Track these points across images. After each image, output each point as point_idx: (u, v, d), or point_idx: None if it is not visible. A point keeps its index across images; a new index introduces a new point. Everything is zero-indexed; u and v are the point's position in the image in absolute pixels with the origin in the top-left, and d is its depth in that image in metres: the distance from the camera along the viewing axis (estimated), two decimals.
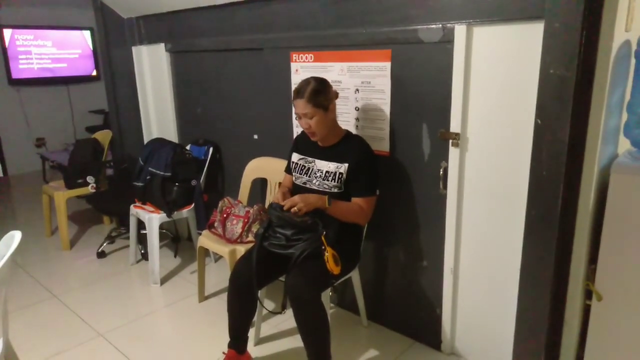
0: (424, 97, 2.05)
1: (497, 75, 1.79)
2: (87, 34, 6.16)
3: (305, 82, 2.02)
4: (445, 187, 2.03)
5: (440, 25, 1.88)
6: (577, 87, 1.52)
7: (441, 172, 2.03)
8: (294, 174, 2.22)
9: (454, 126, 1.93)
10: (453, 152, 1.96)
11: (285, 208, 1.96)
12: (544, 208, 1.68)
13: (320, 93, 1.99)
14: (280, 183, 2.43)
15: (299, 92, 2.00)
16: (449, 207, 2.03)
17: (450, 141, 1.96)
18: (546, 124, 1.61)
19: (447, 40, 1.87)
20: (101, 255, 3.44)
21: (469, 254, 2.05)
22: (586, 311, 1.82)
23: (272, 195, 2.56)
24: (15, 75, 5.69)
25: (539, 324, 1.78)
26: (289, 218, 1.96)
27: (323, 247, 1.90)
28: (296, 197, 1.98)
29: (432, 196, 2.10)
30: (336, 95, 2.09)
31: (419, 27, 1.96)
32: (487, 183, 1.91)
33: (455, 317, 2.17)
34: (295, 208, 1.93)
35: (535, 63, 1.62)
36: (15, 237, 1.55)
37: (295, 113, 2.05)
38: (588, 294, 1.80)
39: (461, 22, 1.82)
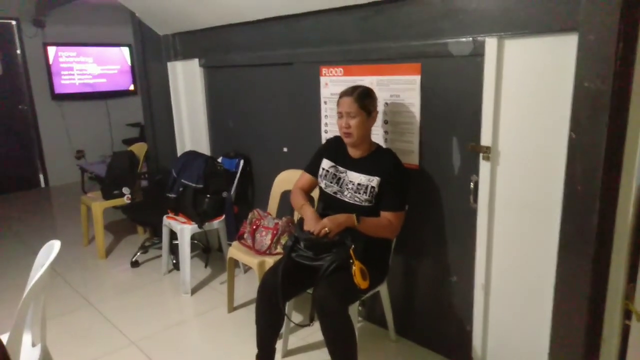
0: (454, 111, 2.03)
1: (529, 89, 1.76)
2: (125, 50, 6.41)
3: (355, 85, 2.09)
4: (475, 200, 2.00)
5: (471, 38, 1.87)
6: (613, 100, 1.48)
7: (472, 186, 2.00)
8: (324, 181, 2.22)
9: (485, 139, 1.90)
10: (484, 166, 1.94)
11: (315, 234, 1.95)
12: (579, 223, 1.63)
13: (368, 97, 2.06)
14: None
15: (347, 91, 2.05)
16: (480, 221, 2.00)
17: (481, 154, 1.93)
18: (581, 137, 1.57)
19: (478, 53, 1.86)
20: (135, 264, 3.53)
21: (501, 269, 2.00)
22: (625, 331, 1.74)
23: None
24: (58, 90, 5.96)
25: (574, 343, 1.72)
26: (317, 240, 1.97)
27: (351, 261, 1.90)
28: (325, 221, 1.97)
29: (462, 210, 2.07)
30: (377, 108, 2.12)
31: (449, 40, 1.95)
32: (519, 197, 1.87)
33: (486, 334, 2.11)
34: (326, 230, 1.93)
35: (568, 76, 1.59)
36: (54, 246, 1.61)
37: (338, 112, 2.08)
38: (627, 314, 1.73)
39: (492, 35, 1.80)
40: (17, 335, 1.44)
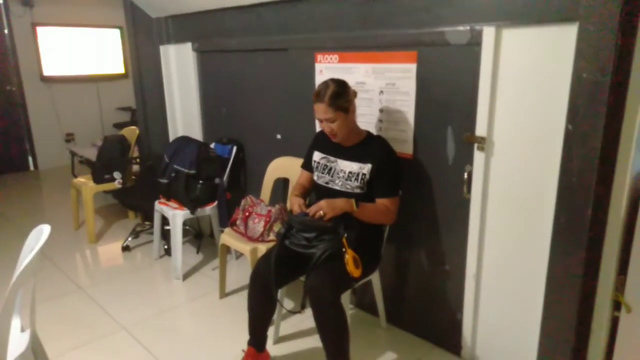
0: (449, 100, 2.02)
1: (526, 79, 1.75)
2: (116, 32, 6.29)
3: (324, 85, 2.00)
4: (469, 191, 2.00)
5: (469, 27, 1.86)
6: (612, 92, 1.47)
7: (465, 176, 2.00)
8: (316, 173, 2.22)
9: (480, 130, 1.90)
10: (478, 156, 1.93)
11: (310, 215, 1.95)
12: (572, 215, 1.64)
13: (340, 96, 1.98)
14: None
15: (319, 96, 1.99)
16: (473, 211, 2.00)
17: (476, 145, 1.92)
18: (578, 129, 1.57)
19: (475, 42, 1.84)
20: (126, 249, 3.52)
21: (493, 259, 2.01)
22: (614, 323, 1.76)
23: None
24: (47, 72, 5.85)
25: (564, 334, 1.74)
26: (311, 221, 1.96)
27: (344, 249, 1.90)
28: (322, 203, 1.97)
29: (456, 200, 2.07)
30: (355, 94, 2.08)
31: (446, 29, 1.93)
32: (513, 188, 1.87)
33: (476, 323, 2.13)
34: (321, 212, 1.93)
35: (566, 67, 1.58)
36: (44, 231, 1.59)
37: (316, 118, 2.05)
38: (617, 306, 1.75)
39: (490, 24, 1.79)
40: (5, 320, 1.42)
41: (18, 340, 1.61)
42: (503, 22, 1.76)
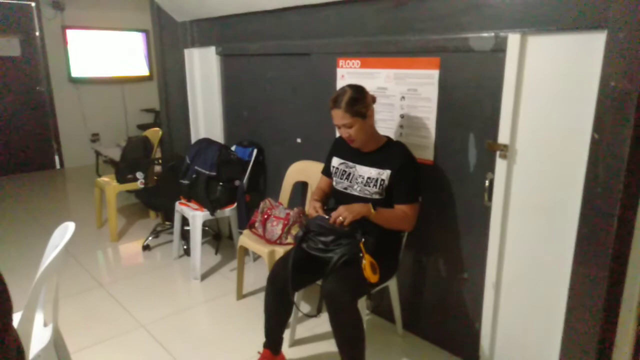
0: (472, 107, 2.00)
1: (551, 87, 1.72)
2: (142, 35, 6.42)
3: (342, 91, 2.01)
4: (490, 199, 1.97)
5: (493, 33, 1.84)
6: None
7: (487, 184, 1.98)
8: (334, 178, 2.22)
9: (503, 137, 1.87)
10: (500, 164, 1.91)
11: (331, 222, 1.95)
12: (597, 225, 1.60)
13: (357, 101, 1.98)
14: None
15: (336, 102, 1.99)
16: (494, 219, 1.97)
17: (498, 152, 1.90)
18: (604, 139, 1.53)
19: (500, 49, 1.82)
20: (146, 248, 3.57)
21: (513, 269, 1.98)
22: (638, 338, 1.71)
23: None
24: (75, 73, 6.01)
25: (586, 348, 1.70)
26: (329, 225, 1.96)
27: (361, 254, 1.89)
28: (340, 209, 1.96)
29: (476, 207, 2.05)
30: (374, 100, 2.08)
31: (470, 35, 1.92)
32: (536, 197, 1.84)
33: (495, 333, 2.10)
34: (341, 218, 1.93)
35: (593, 75, 1.55)
36: (69, 228, 1.63)
37: (334, 123, 2.05)
38: None
39: (515, 30, 1.77)
40: (29, 315, 1.46)
41: (41, 335, 1.65)
42: (529, 29, 1.73)
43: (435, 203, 2.20)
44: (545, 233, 1.84)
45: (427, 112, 2.16)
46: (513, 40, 1.77)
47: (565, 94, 1.68)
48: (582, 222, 1.65)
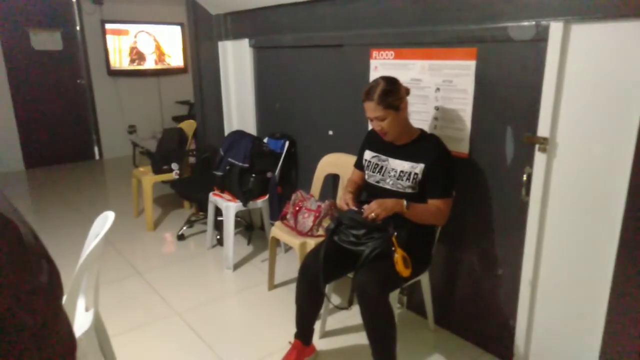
0: (510, 99, 1.94)
1: (595, 77, 1.65)
2: (177, 29, 6.54)
3: (375, 83, 1.98)
4: (528, 193, 1.92)
5: (534, 22, 1.77)
6: None
7: (524, 178, 1.92)
8: (366, 172, 2.20)
9: (543, 130, 1.81)
10: (539, 158, 1.85)
11: (364, 216, 1.93)
12: None
13: (390, 93, 1.94)
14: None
15: (368, 94, 1.96)
16: (531, 215, 1.92)
17: (537, 146, 1.84)
18: None
19: (541, 38, 1.75)
20: (181, 237, 3.66)
21: (551, 266, 1.92)
22: None
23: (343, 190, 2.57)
24: (113, 66, 6.18)
25: (628, 348, 1.63)
26: (361, 218, 1.95)
27: (393, 248, 1.88)
28: (373, 205, 1.94)
29: (513, 203, 1.99)
30: (407, 92, 2.04)
31: (509, 24, 1.86)
32: (577, 192, 1.77)
33: (530, 331, 2.05)
34: (373, 215, 1.91)
35: None
36: (109, 217, 1.68)
37: (367, 116, 2.03)
38: None
39: (557, 19, 1.70)
40: (72, 300, 1.52)
41: (82, 319, 1.72)
42: (572, 17, 1.66)
43: (469, 197, 2.16)
44: (586, 230, 1.77)
45: (463, 104, 2.11)
46: (555, 29, 1.70)
47: (610, 85, 1.61)
48: (627, 218, 1.58)
